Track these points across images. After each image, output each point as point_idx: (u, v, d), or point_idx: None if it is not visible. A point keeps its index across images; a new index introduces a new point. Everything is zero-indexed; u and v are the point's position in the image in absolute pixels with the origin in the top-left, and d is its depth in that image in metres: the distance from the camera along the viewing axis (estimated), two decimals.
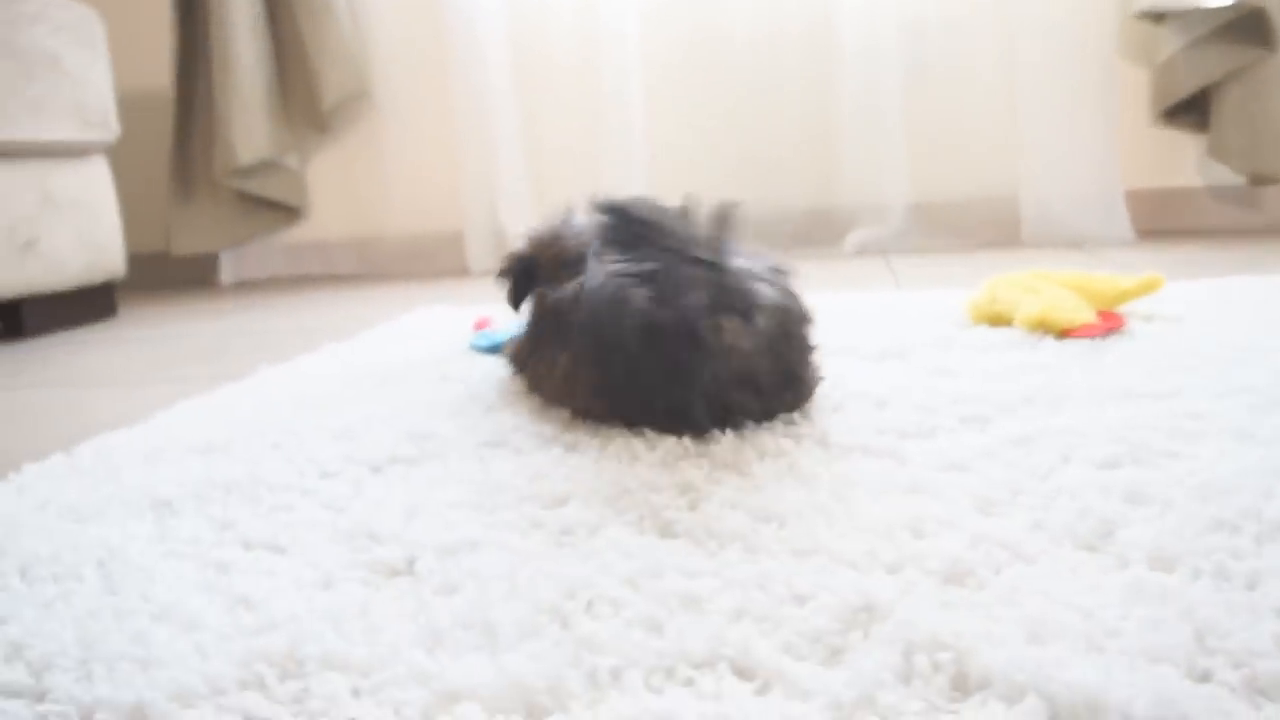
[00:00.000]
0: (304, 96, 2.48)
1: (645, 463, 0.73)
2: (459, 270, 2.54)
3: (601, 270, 0.81)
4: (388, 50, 2.54)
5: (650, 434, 0.80)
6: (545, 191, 2.48)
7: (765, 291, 0.80)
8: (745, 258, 0.81)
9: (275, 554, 0.62)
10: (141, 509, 0.72)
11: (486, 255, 2.49)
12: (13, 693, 0.47)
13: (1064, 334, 1.11)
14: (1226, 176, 2.35)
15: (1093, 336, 1.09)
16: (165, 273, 2.62)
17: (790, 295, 0.83)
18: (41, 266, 1.85)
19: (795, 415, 0.84)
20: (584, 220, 0.99)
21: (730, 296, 0.77)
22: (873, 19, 2.36)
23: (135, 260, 2.13)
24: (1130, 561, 0.53)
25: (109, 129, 1.99)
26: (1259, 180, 2.29)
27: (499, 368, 1.12)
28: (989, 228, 2.45)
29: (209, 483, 0.76)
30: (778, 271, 0.83)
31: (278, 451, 0.84)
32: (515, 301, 1.06)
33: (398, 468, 0.78)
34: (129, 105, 2.26)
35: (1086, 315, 1.12)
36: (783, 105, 2.46)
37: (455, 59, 2.44)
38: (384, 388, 1.06)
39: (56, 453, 0.90)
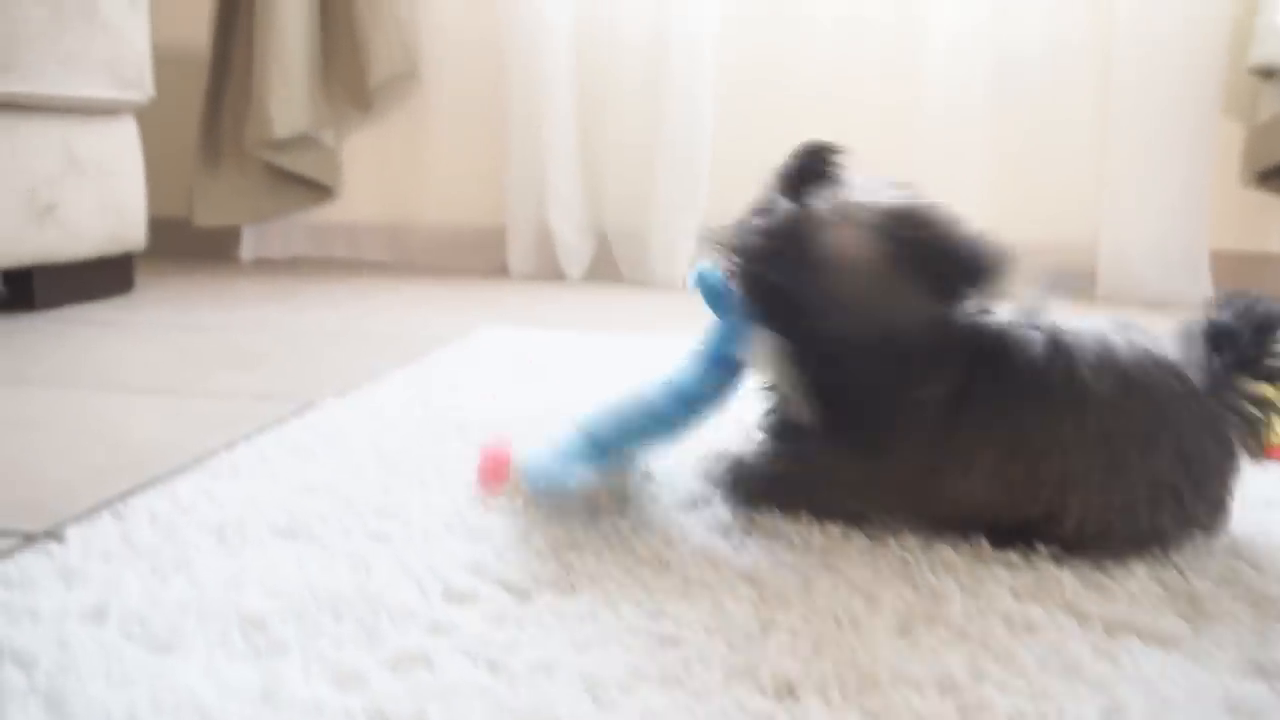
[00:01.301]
0: (349, 71, 2.31)
1: (870, 630, 0.58)
2: (496, 270, 2.38)
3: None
4: (441, 30, 2.38)
5: (857, 578, 0.65)
6: (599, 193, 2.32)
7: None
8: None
9: None
10: (229, 632, 0.57)
11: (529, 257, 2.33)
12: None
13: (1264, 452, 0.97)
14: None
15: None
16: (183, 241, 2.44)
17: None
18: (59, 234, 1.68)
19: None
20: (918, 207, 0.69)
21: None
22: (963, 50, 2.20)
23: (152, 225, 1.96)
24: None
25: (143, 89, 1.82)
26: None
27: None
28: (1062, 276, 2.31)
29: (309, 595, 0.61)
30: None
31: (384, 548, 0.68)
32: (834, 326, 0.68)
33: (546, 597, 0.62)
34: (157, 60, 2.07)
35: None
36: (859, 129, 2.29)
37: (513, 44, 2.27)
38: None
39: (104, 512, 0.74)
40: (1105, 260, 2.26)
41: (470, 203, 2.44)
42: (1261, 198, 2.25)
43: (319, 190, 2.40)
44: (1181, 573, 0.68)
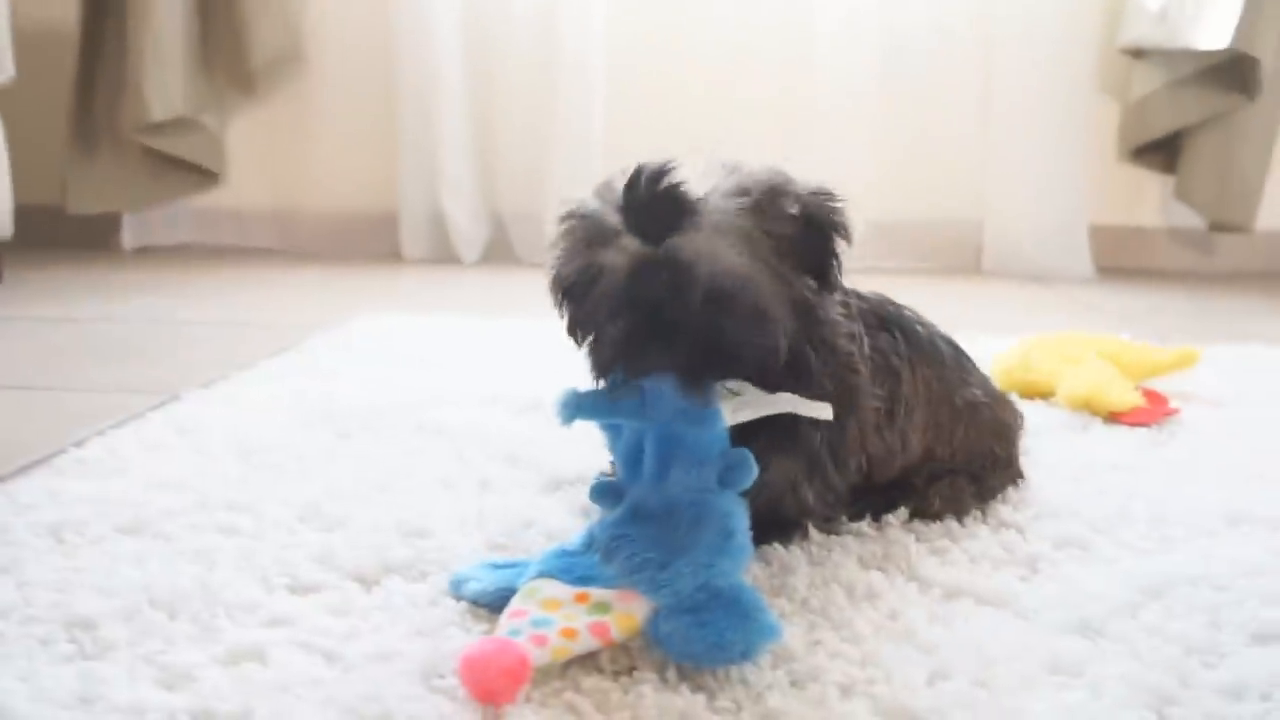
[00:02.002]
0: (230, 51, 2.23)
1: None
2: (390, 255, 2.34)
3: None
4: (327, 9, 2.31)
5: None
6: (492, 175, 2.29)
7: None
8: None
9: None
10: (54, 635, 0.55)
11: (422, 242, 2.29)
12: None
13: (1112, 417, 1.01)
14: (1187, 219, 2.32)
15: (1145, 424, 0.99)
16: (58, 230, 2.33)
17: None
18: None
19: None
20: None
21: None
22: (852, 34, 2.23)
23: (23, 213, 1.86)
24: None
25: (2, 70, 1.73)
26: (1220, 227, 2.26)
27: (484, 419, 0.95)
28: (950, 253, 2.36)
29: (144, 593, 0.59)
30: None
31: (230, 541, 0.67)
32: None
33: (394, 582, 0.61)
34: (24, 39, 1.97)
35: (1135, 398, 1.03)
36: (749, 109, 2.32)
37: (401, 23, 2.23)
38: (349, 442, 0.88)
39: None
40: (990, 236, 2.32)
41: (361, 187, 2.39)
42: (1137, 173, 2.34)
43: (203, 175, 2.31)
44: (1023, 534, 0.71)
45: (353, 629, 0.56)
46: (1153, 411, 1.01)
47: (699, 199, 0.58)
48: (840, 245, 0.63)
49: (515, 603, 0.53)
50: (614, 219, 0.59)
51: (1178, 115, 2.18)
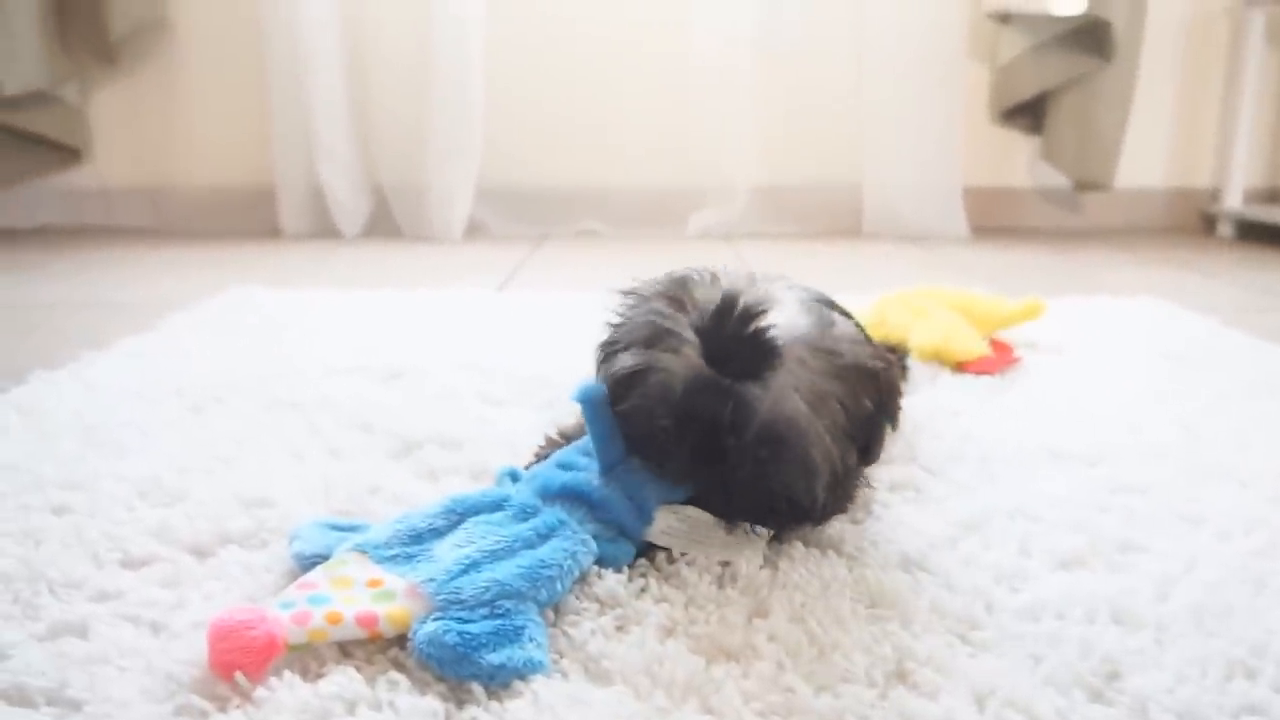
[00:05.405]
0: (89, 19, 2.14)
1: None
2: (269, 230, 2.28)
3: None
4: None
5: None
6: (371, 145, 2.25)
7: None
8: None
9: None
10: None
11: (302, 216, 2.25)
12: None
13: (959, 366, 1.05)
14: (1054, 179, 2.42)
15: (989, 372, 1.04)
16: None
17: None
18: None
19: None
20: None
21: None
22: (728, 2, 2.25)
23: None
24: None
25: None
26: (1083, 186, 2.36)
27: (342, 389, 0.95)
28: (831, 216, 2.42)
29: None
30: None
31: (61, 521, 0.65)
32: None
33: (231, 551, 0.61)
34: None
35: (981, 347, 1.07)
36: (630, 79, 2.33)
37: None
38: (199, 416, 0.87)
39: None
40: (869, 199, 2.38)
41: (235, 161, 2.32)
42: (1007, 135, 2.43)
43: (65, 152, 2.22)
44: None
45: (182, 599, 0.55)
46: (997, 360, 1.06)
47: (783, 346, 0.58)
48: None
49: (313, 573, 0.53)
50: (685, 331, 0.59)
51: (1042, 78, 2.26)
